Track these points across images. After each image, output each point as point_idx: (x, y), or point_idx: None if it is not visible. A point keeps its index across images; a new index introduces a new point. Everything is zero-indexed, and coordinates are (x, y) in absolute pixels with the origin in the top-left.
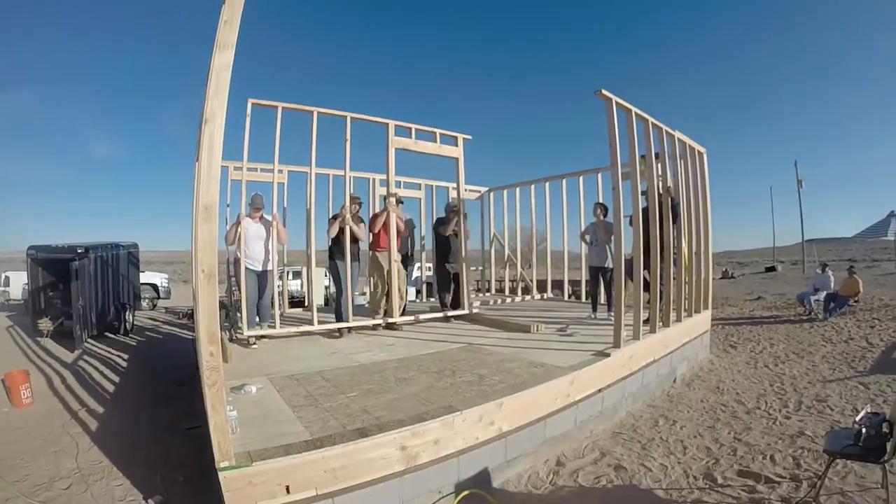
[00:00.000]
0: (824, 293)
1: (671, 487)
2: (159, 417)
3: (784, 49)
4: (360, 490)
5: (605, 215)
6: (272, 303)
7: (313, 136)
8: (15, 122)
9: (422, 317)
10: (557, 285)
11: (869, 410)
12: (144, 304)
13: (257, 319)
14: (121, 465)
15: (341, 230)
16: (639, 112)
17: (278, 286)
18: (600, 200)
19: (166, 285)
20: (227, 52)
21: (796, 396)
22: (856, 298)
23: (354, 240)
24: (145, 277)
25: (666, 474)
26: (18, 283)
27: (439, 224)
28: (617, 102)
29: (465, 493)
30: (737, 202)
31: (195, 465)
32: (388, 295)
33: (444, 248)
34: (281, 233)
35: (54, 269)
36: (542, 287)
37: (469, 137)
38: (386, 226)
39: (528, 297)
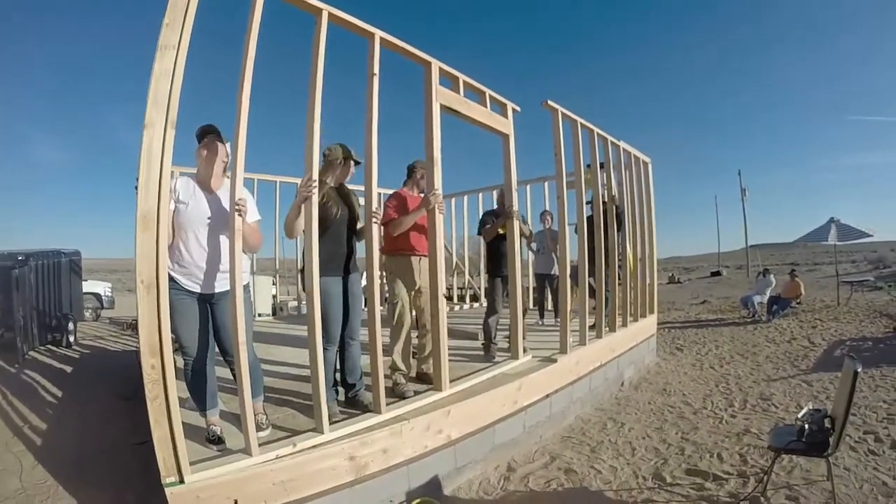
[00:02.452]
0: (767, 296)
1: (621, 488)
2: (106, 433)
3: (724, 59)
4: (311, 502)
5: (551, 223)
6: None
7: (319, 48)
8: None
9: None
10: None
11: (811, 407)
12: (87, 314)
13: (220, 404)
14: (67, 485)
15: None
16: (584, 122)
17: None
18: (546, 208)
19: (110, 295)
20: (168, 56)
21: (741, 395)
22: (798, 300)
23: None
24: (88, 286)
25: (616, 476)
26: None
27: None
28: (563, 113)
29: (417, 501)
30: (683, 209)
31: (145, 482)
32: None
33: (498, 254)
34: (249, 232)
35: None
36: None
37: (518, 109)
38: (423, 226)
39: (476, 305)
